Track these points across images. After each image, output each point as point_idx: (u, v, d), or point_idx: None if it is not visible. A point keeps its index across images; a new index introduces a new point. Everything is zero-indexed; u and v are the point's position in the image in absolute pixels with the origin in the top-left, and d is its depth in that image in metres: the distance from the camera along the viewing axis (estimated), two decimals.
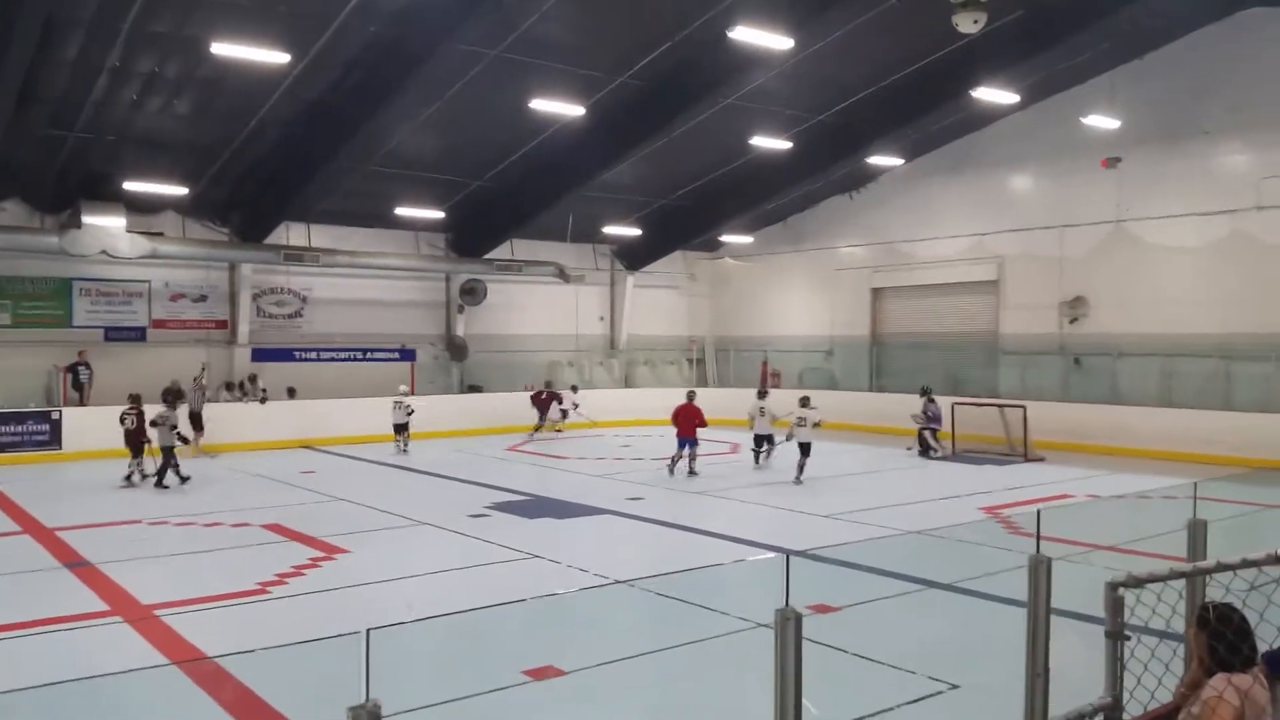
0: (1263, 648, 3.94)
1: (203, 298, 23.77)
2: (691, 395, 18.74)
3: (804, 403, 17.71)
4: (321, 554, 11.14)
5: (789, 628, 2.67)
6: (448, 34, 16.07)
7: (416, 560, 10.96)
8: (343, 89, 18.01)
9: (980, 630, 8.32)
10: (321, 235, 24.48)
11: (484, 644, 7.77)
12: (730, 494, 15.95)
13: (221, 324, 23.99)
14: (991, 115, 22.98)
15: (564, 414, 25.22)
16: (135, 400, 17.13)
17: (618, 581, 9.79)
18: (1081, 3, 18.04)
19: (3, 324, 21.33)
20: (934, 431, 20.74)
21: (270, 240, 23.63)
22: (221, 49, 14.74)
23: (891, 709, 6.47)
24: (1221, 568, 3.75)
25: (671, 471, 17.46)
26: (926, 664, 7.26)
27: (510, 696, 6.79)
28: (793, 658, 2.66)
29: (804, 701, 2.85)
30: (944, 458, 20.30)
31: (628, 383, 29.63)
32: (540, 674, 7.05)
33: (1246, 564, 3.55)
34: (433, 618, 7.26)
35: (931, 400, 21.01)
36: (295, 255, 23.67)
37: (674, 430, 17.84)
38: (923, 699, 6.65)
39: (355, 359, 25.22)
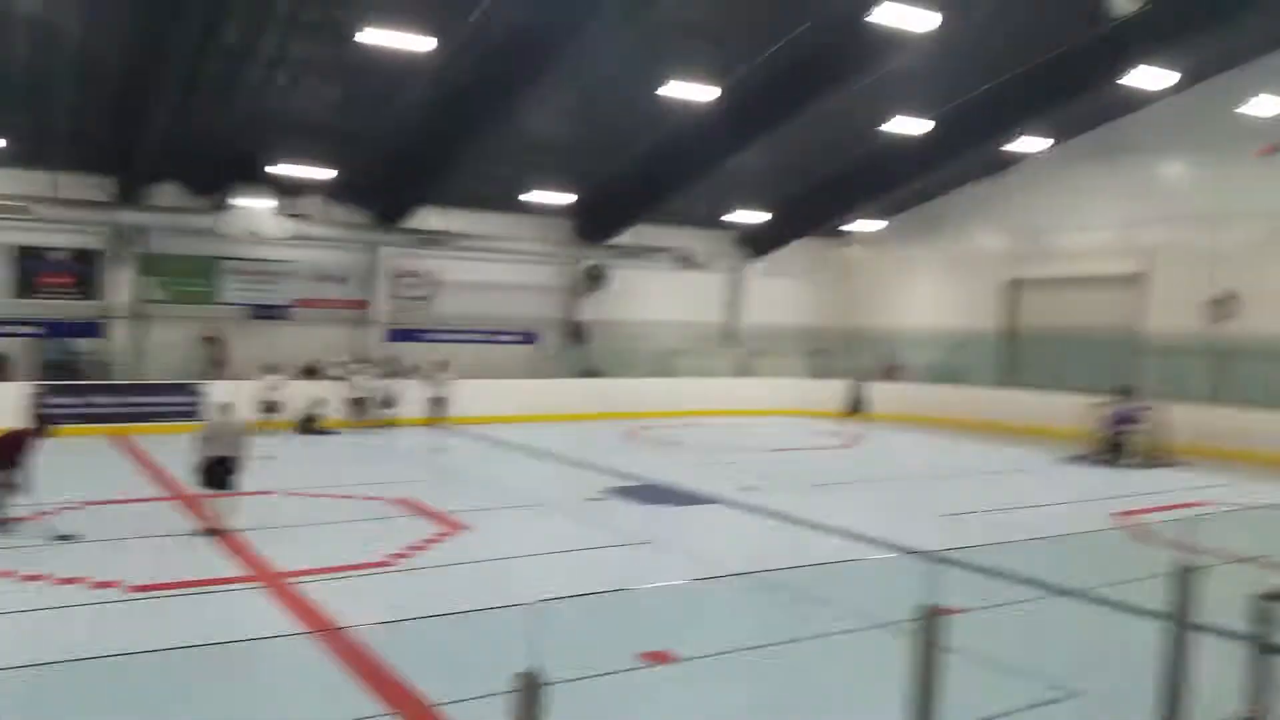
0: None
1: (343, 279, 24.82)
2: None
3: None
4: (447, 530, 11.51)
5: (929, 626, 2.63)
6: (584, 20, 16.22)
7: (534, 541, 11.20)
8: (482, 75, 18.38)
9: (1103, 638, 7.98)
10: (455, 219, 25.15)
11: (601, 626, 7.90)
12: (848, 488, 15.71)
13: (360, 304, 25.00)
14: (1143, 99, 21.72)
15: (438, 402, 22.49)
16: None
17: (732, 574, 9.80)
18: None
19: (157, 299, 22.77)
20: (1126, 435, 18.91)
21: (407, 224, 24.45)
22: (368, 36, 15.25)
23: (1011, 713, 6.29)
24: None
25: None
26: (1049, 670, 7.03)
27: (630, 679, 6.88)
28: (929, 659, 2.63)
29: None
30: (1133, 464, 18.42)
31: (746, 372, 29.45)
32: (656, 657, 7.13)
33: None
34: (574, 596, 7.43)
35: (1125, 399, 19.26)
36: (431, 239, 24.45)
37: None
38: (1045, 704, 6.44)
39: (481, 341, 25.90)
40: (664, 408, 25.61)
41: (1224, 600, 3.90)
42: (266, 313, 24.02)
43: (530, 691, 2.34)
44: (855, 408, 22.92)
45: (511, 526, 12.05)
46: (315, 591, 8.76)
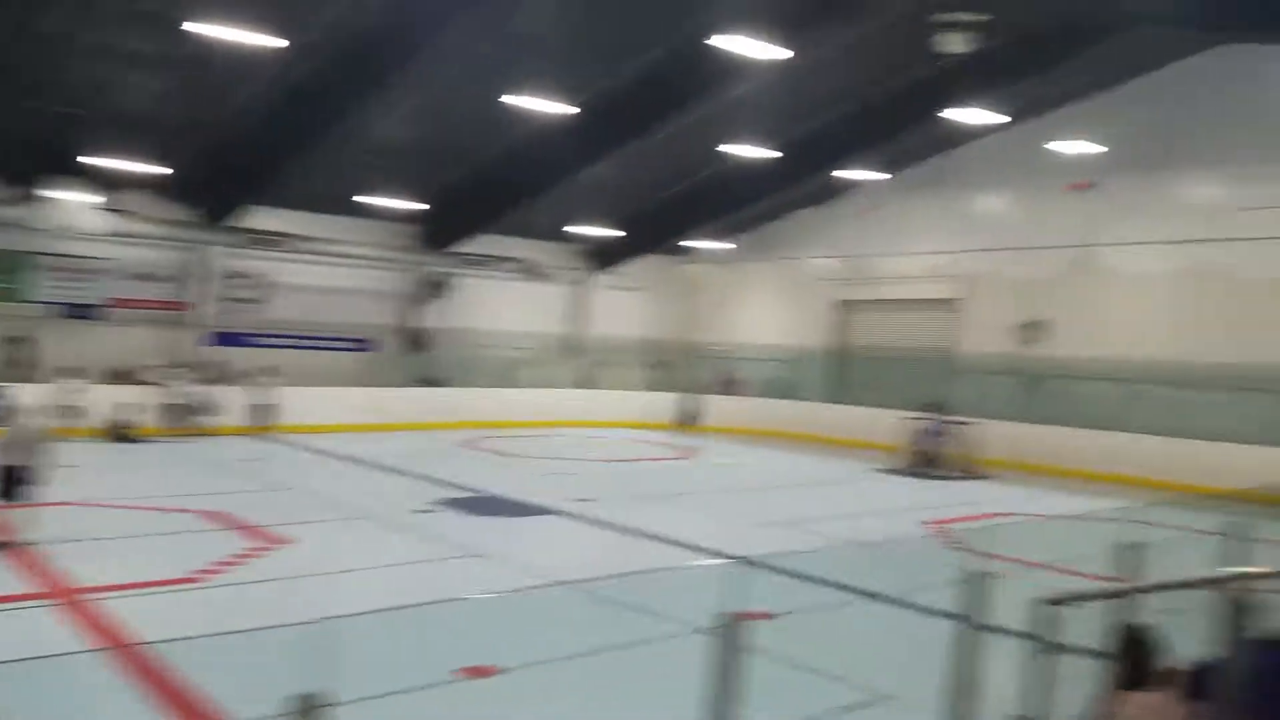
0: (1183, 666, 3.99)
1: (168, 278, 23.40)
2: None
3: None
4: (264, 544, 10.98)
5: (729, 634, 2.64)
6: (436, 28, 15.94)
7: (359, 554, 10.83)
8: (328, 77, 17.73)
9: (914, 642, 8.35)
10: (291, 221, 24.17)
11: (421, 640, 7.68)
12: (682, 499, 15.94)
13: (183, 305, 23.62)
14: (965, 135, 23.14)
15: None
16: None
17: (560, 582, 9.73)
18: (1064, 32, 18.28)
19: None
20: (935, 448, 20.15)
21: (237, 223, 23.33)
22: (206, 30, 14.43)
23: (820, 716, 6.48)
24: (1142, 589, 3.79)
25: None
26: (861, 674, 7.29)
27: (445, 693, 6.72)
28: (733, 666, 2.63)
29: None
30: (940, 477, 19.56)
31: (589, 383, 29.54)
32: (476, 672, 6.98)
33: (1162, 587, 3.59)
34: (372, 612, 7.16)
35: (932, 414, 20.51)
36: (262, 240, 23.40)
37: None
38: (856, 707, 6.67)
39: (313, 347, 24.94)
40: (505, 418, 25.33)
41: (1017, 604, 4.12)
42: (80, 312, 22.36)
43: (308, 714, 2.19)
44: (690, 420, 23.36)
45: (334, 540, 11.61)
46: (116, 609, 8.17)
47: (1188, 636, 4.32)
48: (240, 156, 20.91)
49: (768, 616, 8.42)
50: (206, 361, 22.70)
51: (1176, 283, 21.14)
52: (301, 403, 22.39)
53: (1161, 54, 20.58)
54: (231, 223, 23.24)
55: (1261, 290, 19.73)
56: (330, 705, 2.28)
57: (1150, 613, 4.22)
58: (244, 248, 23.56)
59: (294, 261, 24.50)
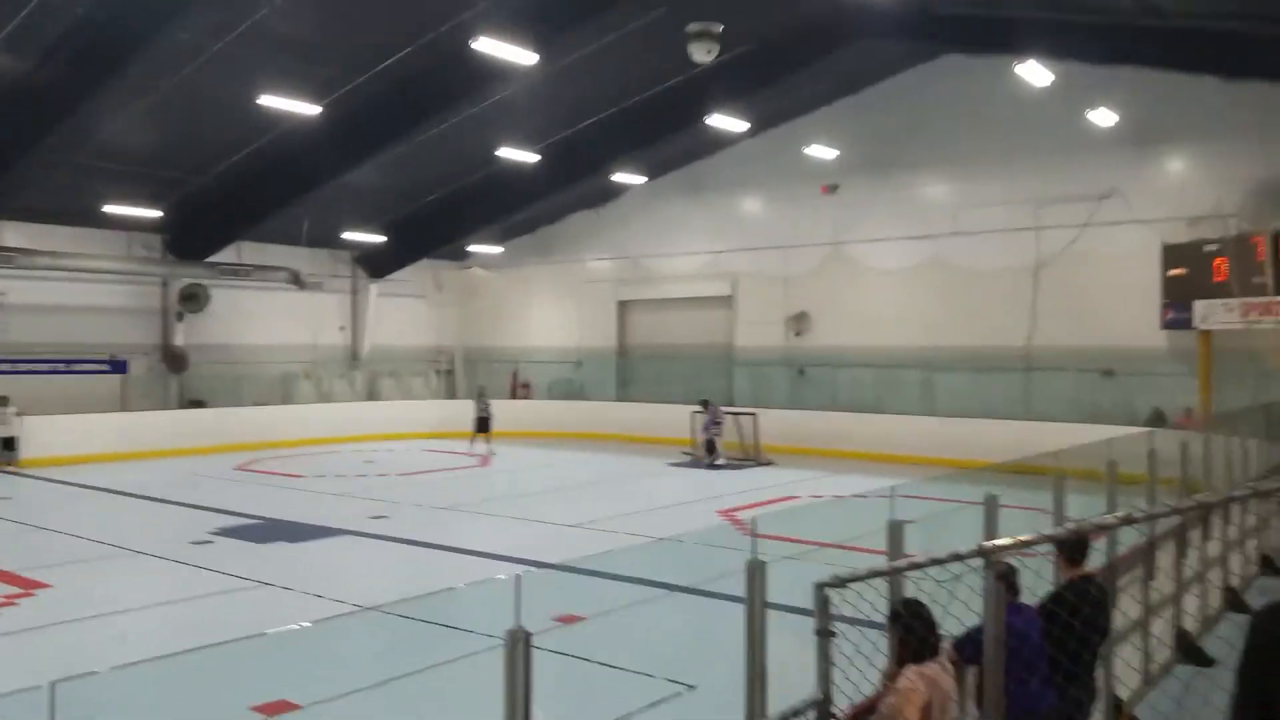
0: (953, 633, 4.43)
1: None
2: None
3: None
4: (18, 590, 9.97)
5: (518, 648, 2.69)
6: (166, 20, 14.89)
7: (131, 594, 10.05)
8: (44, 73, 16.19)
9: (716, 631, 8.72)
10: (18, 233, 21.91)
11: (210, 682, 7.25)
12: (479, 508, 15.81)
13: None
14: (724, 141, 24.26)
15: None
16: None
17: (356, 607, 9.44)
18: (802, 42, 19.58)
19: None
20: (717, 437, 21.18)
21: None
22: None
23: (632, 714, 6.67)
24: (912, 566, 4.15)
25: None
26: (667, 667, 7.54)
27: None
28: (523, 679, 2.68)
29: (539, 714, 2.88)
30: (724, 465, 20.66)
31: (371, 395, 28.63)
32: (273, 709, 6.67)
33: (933, 562, 3.96)
34: (144, 661, 6.68)
35: (706, 409, 21.49)
36: None
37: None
38: (662, 702, 6.90)
39: (58, 371, 22.71)
40: (282, 437, 24.13)
41: (807, 585, 4.37)
42: None
43: None
44: (483, 427, 23.20)
45: (99, 581, 10.71)
46: None
47: (957, 606, 4.80)
48: None
49: (577, 619, 8.58)
50: None
51: (917, 275, 23.11)
52: (48, 433, 20.51)
53: (889, 64, 22.40)
54: None
55: (987, 280, 21.88)
56: None
57: (928, 581, 4.64)
58: None
59: (26, 278, 22.17)
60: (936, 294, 22.69)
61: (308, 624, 9.07)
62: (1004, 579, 4.20)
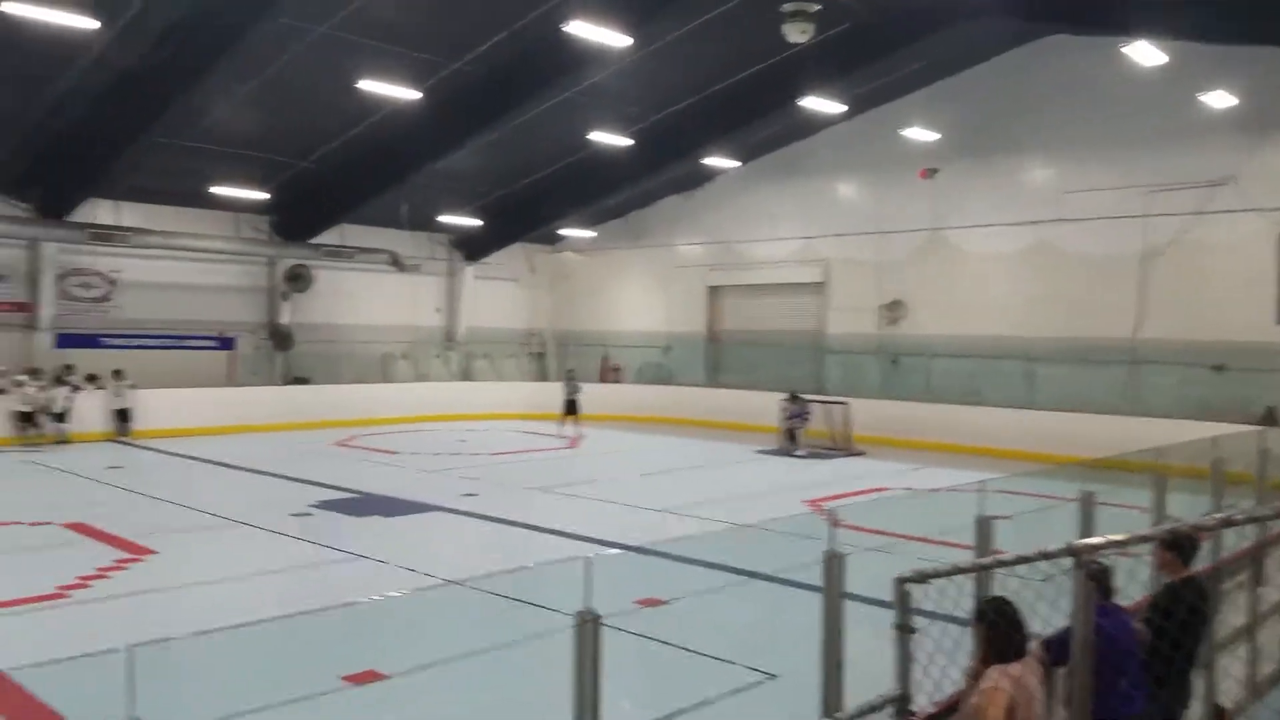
0: (1040, 636, 4.30)
1: (1, 278, 21.90)
2: None
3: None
4: (128, 556, 10.50)
5: (586, 631, 2.71)
6: (270, 5, 15.37)
7: (230, 563, 10.48)
8: (156, 59, 16.86)
9: (800, 620, 8.65)
10: (132, 214, 22.96)
11: (304, 650, 7.52)
12: (566, 489, 16.00)
13: (21, 307, 22.15)
14: (819, 124, 23.86)
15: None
16: None
17: (446, 581, 9.67)
18: (900, 22, 19.06)
19: None
20: (799, 429, 21.07)
21: (75, 218, 22.01)
22: (15, 9, 13.53)
23: (713, 700, 6.67)
24: (998, 564, 4.04)
25: None
26: (748, 654, 7.52)
27: (329, 703, 6.61)
28: (590, 661, 2.71)
29: (620, 700, 2.90)
30: (805, 455, 20.46)
31: (466, 376, 29.21)
32: (361, 679, 6.89)
33: (1020, 560, 3.85)
34: (244, 625, 6.95)
35: (794, 402, 21.34)
36: (103, 235, 22.10)
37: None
38: (742, 689, 6.88)
39: (170, 346, 23.80)
40: (379, 414, 24.84)
41: (891, 577, 4.30)
42: None
43: None
44: (571, 409, 23.46)
45: (204, 549, 11.20)
46: None
47: (1045, 606, 4.66)
48: (70, 146, 19.68)
49: (659, 603, 8.63)
50: (57, 366, 21.38)
51: (1018, 262, 22.40)
52: (161, 405, 21.50)
53: (992, 45, 21.65)
54: (67, 217, 21.90)
55: (1092, 267, 21.09)
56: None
57: (1016, 580, 4.52)
58: (83, 243, 22.21)
59: (142, 257, 23.29)
60: (1039, 282, 21.97)
61: (395, 594, 9.33)
62: (1096, 579, 4.06)
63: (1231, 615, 6.64)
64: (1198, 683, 5.41)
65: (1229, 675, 6.41)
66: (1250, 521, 3.75)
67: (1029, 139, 22.08)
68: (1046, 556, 3.68)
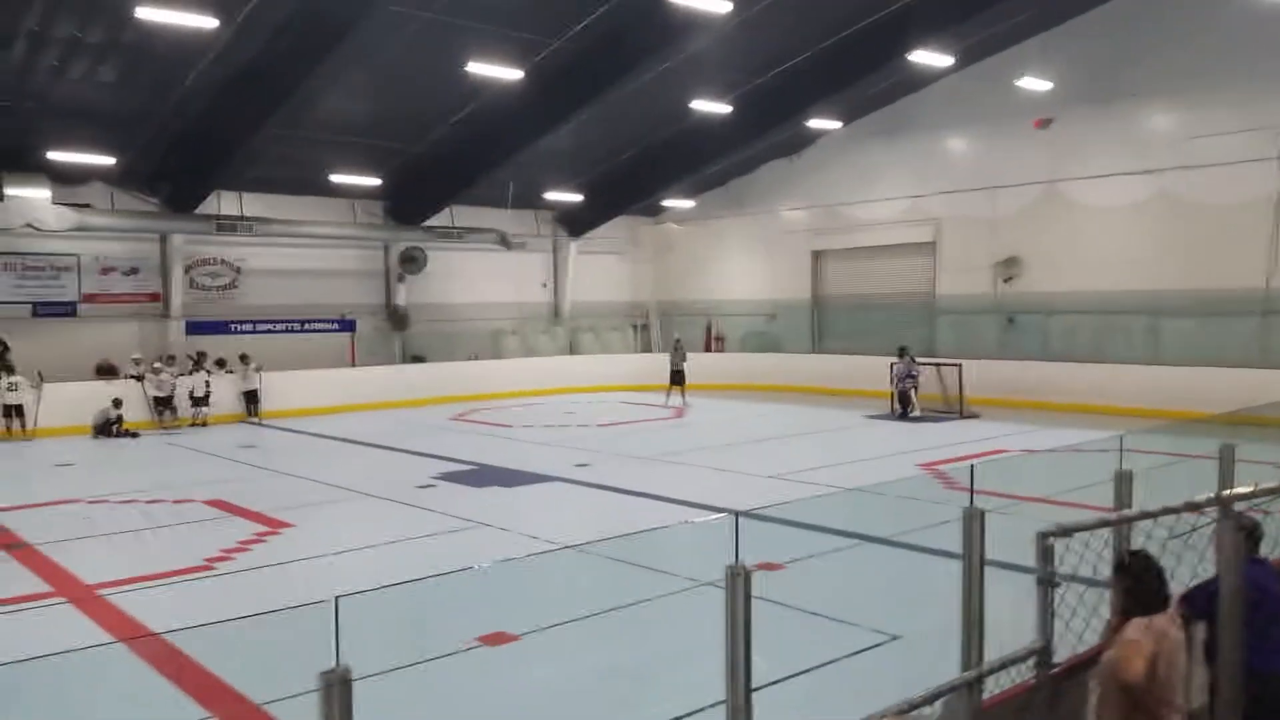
0: (1179, 590, 4.20)
1: (134, 270, 23.21)
2: None
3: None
4: (266, 529, 11.08)
5: (739, 583, 2.79)
6: None
7: (363, 533, 10.95)
8: (272, 53, 17.60)
9: (919, 582, 8.60)
10: (254, 204, 24.01)
11: (437, 612, 7.84)
12: (676, 458, 16.14)
13: (154, 297, 23.46)
14: (926, 78, 23.22)
15: None
16: None
17: (566, 546, 9.91)
18: None
19: None
20: (913, 390, 20.77)
21: (201, 210, 23.14)
22: (146, 13, 14.27)
23: (837, 660, 6.70)
24: (1143, 515, 3.96)
25: None
26: (869, 617, 7.52)
27: (465, 661, 6.89)
28: (743, 613, 2.78)
29: (754, 657, 2.98)
30: (919, 417, 20.22)
31: (573, 349, 29.65)
32: (494, 640, 7.15)
33: (1166, 511, 3.76)
34: (387, 586, 7.28)
35: (903, 358, 21.09)
36: (228, 225, 23.20)
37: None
38: (866, 649, 6.89)
39: (293, 330, 24.85)
40: (492, 389, 25.48)
41: (1016, 539, 4.27)
42: (51, 310, 22.17)
43: (335, 689, 2.31)
44: (678, 379, 23.58)
45: (337, 521, 11.73)
46: (129, 602, 8.27)
47: (1188, 559, 4.53)
48: (194, 142, 20.69)
49: (776, 567, 8.67)
50: (189, 353, 22.58)
51: (1140, 212, 21.42)
52: (287, 387, 22.46)
53: None
54: (194, 210, 23.02)
55: (1220, 216, 20.03)
56: (356, 679, 2.38)
57: (1150, 541, 4.41)
58: (209, 234, 23.35)
59: (264, 245, 24.37)
60: (1163, 233, 20.99)
61: (516, 558, 9.60)
62: (1245, 530, 3.94)
63: None
64: None
65: None
66: None
67: (1148, 84, 21.04)
68: (1193, 507, 3.59)
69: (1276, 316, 19.26)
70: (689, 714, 5.77)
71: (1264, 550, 4.43)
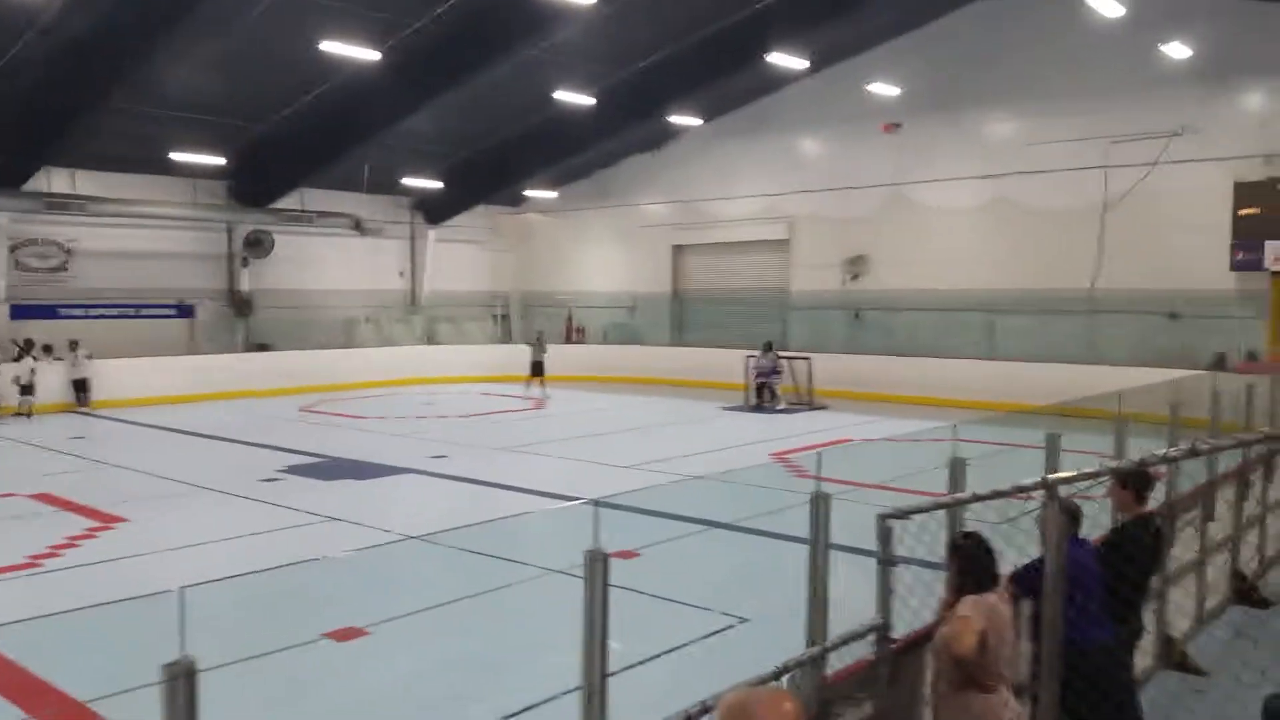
0: (1009, 570, 4.46)
1: None
2: None
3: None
4: (99, 524, 10.44)
5: (597, 568, 2.79)
6: None
7: (203, 528, 10.43)
8: (114, 23, 16.46)
9: (767, 566, 8.85)
10: (89, 182, 22.48)
11: (283, 607, 7.57)
12: (534, 449, 16.07)
13: None
14: (784, 80, 23.85)
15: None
16: None
17: (411, 537, 9.73)
18: None
19: None
20: (774, 384, 21.25)
21: (30, 187, 21.50)
22: None
23: (689, 643, 6.82)
24: (975, 498, 4.18)
25: None
26: (720, 601, 7.69)
27: (311, 655, 6.68)
28: (600, 597, 2.79)
29: (609, 642, 2.99)
30: (782, 410, 20.72)
31: (430, 339, 29.07)
32: (343, 635, 6.95)
33: (996, 495, 3.99)
34: (231, 577, 6.98)
35: (766, 354, 21.49)
36: (59, 204, 21.65)
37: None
38: (717, 633, 7.04)
39: (127, 315, 23.43)
40: (345, 379, 24.71)
41: (858, 523, 4.44)
42: None
43: (180, 681, 2.19)
44: (537, 370, 23.48)
45: (174, 516, 11.15)
46: None
47: (1016, 541, 4.82)
48: (21, 115, 19.17)
49: (631, 555, 8.75)
50: (13, 338, 20.99)
51: (981, 215, 22.66)
52: (121, 375, 21.25)
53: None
54: (20, 186, 21.39)
55: (1053, 220, 21.39)
56: (202, 670, 2.27)
57: (981, 524, 4.67)
58: (39, 212, 21.74)
59: (98, 225, 22.85)
60: (1001, 235, 22.25)
61: (367, 548, 9.37)
62: (1068, 512, 4.21)
63: (1185, 550, 6.90)
64: (1149, 616, 5.65)
65: (1180, 608, 6.68)
66: (1191, 456, 3.92)
67: (991, 92, 22.24)
68: (1022, 490, 3.81)
69: (1101, 315, 20.70)
70: (543, 701, 5.76)
71: (1083, 531, 4.75)
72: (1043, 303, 21.31)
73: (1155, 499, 5.69)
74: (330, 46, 17.68)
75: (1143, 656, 5.67)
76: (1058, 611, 3.76)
